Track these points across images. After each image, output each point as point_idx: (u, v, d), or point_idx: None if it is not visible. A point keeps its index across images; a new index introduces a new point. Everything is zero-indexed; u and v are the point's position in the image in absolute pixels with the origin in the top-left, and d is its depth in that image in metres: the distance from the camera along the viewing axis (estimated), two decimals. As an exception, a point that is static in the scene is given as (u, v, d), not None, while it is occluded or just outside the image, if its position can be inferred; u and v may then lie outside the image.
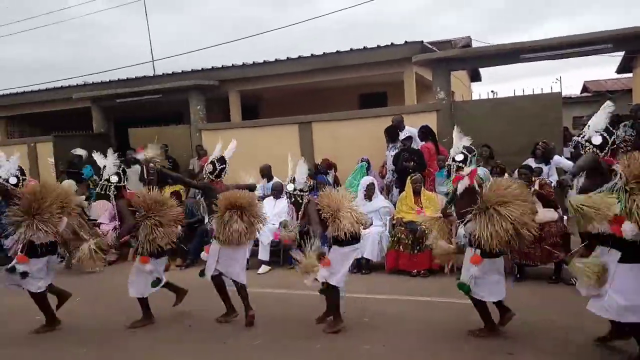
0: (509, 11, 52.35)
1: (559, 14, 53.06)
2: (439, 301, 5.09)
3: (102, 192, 4.88)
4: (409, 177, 6.60)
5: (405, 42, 8.96)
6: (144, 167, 9.84)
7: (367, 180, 6.84)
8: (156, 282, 4.83)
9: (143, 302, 4.85)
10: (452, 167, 4.21)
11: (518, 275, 5.59)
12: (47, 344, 4.55)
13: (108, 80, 11.74)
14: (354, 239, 4.37)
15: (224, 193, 4.66)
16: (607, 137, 3.60)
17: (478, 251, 3.88)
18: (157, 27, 42.27)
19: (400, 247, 6.16)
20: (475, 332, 4.13)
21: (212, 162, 4.99)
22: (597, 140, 3.58)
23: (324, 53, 9.62)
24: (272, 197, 7.55)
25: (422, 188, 6.54)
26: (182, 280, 6.42)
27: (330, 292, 4.40)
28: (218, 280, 4.82)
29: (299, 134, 9.45)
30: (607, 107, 3.66)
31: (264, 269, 6.81)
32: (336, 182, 8.28)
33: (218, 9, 52.87)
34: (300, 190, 4.54)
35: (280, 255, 7.06)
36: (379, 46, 9.21)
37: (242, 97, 11.02)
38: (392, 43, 9.09)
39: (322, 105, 10.96)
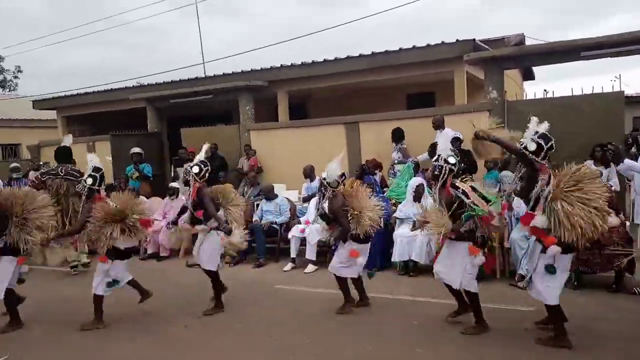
0: (565, 7, 50.24)
1: (620, 11, 50.38)
2: (490, 307, 4.95)
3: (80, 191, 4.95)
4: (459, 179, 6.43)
5: (457, 40, 8.77)
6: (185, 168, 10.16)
7: (416, 181, 6.74)
8: (111, 284, 4.91)
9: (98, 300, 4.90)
10: (444, 168, 4.29)
11: (576, 283, 5.34)
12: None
13: (162, 82, 12.16)
14: (368, 237, 4.85)
15: None
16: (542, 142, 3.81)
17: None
18: (209, 30, 43.40)
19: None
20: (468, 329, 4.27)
21: (198, 165, 5.13)
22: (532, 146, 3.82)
23: (372, 53, 9.57)
24: (317, 197, 7.56)
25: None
26: (232, 277, 6.58)
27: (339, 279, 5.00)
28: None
29: (346, 134, 9.44)
30: None
31: (310, 268, 6.85)
32: (383, 183, 8.22)
33: (268, 11, 53.70)
34: (329, 184, 4.84)
35: (327, 254, 7.07)
36: (428, 45, 9.06)
37: (290, 97, 11.13)
38: (442, 42, 8.92)
39: (369, 105, 10.90)
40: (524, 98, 8.50)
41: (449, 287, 4.43)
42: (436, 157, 4.40)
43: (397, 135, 8.41)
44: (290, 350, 4.17)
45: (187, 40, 58.43)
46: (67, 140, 6.57)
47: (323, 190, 4.99)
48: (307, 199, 8.05)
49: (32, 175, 9.36)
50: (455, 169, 4.30)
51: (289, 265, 6.97)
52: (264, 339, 4.45)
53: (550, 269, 3.79)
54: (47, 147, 13.25)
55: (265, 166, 10.12)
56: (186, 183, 5.35)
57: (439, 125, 8.05)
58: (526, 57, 8.54)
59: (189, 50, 49.42)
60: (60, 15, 46.39)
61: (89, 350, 4.42)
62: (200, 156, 5.32)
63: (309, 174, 8.16)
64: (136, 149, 10.03)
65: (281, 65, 10.62)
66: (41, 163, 10.51)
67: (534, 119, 4.06)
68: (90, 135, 13.23)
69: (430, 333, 4.36)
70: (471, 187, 4.18)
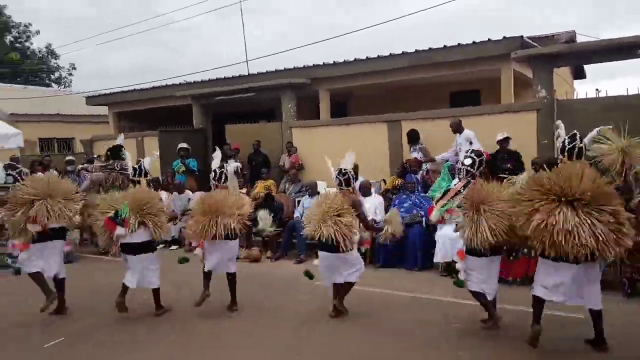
0: (619, 3, 47.90)
1: (681, 3, 47.46)
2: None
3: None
4: (506, 180, 6.32)
5: (504, 37, 8.55)
6: (238, 162, 10.39)
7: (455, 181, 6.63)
8: None
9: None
10: (461, 170, 4.52)
11: (629, 290, 5.14)
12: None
13: (207, 80, 12.46)
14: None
15: None
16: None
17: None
18: (252, 29, 44.16)
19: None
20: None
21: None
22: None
23: (415, 50, 9.47)
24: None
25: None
26: (272, 273, 6.68)
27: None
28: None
29: (388, 132, 9.39)
30: None
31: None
32: (424, 182, 8.13)
33: (308, 10, 53.93)
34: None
35: (368, 253, 7.09)
36: (474, 42, 8.88)
37: (332, 95, 11.17)
38: (489, 39, 8.72)
39: (411, 103, 10.80)
40: (575, 97, 8.17)
41: (477, 294, 4.35)
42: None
43: (414, 137, 8.65)
44: (326, 345, 4.22)
45: (231, 39, 59.54)
46: (120, 139, 6.95)
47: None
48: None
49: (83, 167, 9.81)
50: (474, 171, 4.42)
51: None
52: (299, 334, 4.52)
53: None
54: (98, 142, 13.87)
55: (306, 163, 10.21)
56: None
57: (456, 128, 8.06)
58: (578, 55, 8.24)
59: (232, 49, 50.31)
60: (112, 16, 48.24)
61: (137, 336, 4.62)
62: (216, 163, 5.52)
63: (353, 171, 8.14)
64: (183, 144, 10.34)
65: (323, 63, 10.67)
66: (95, 156, 11.00)
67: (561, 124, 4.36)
68: (139, 131, 13.72)
69: (472, 336, 4.30)
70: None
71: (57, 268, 5.14)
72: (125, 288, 5.02)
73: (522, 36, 8.48)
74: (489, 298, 4.29)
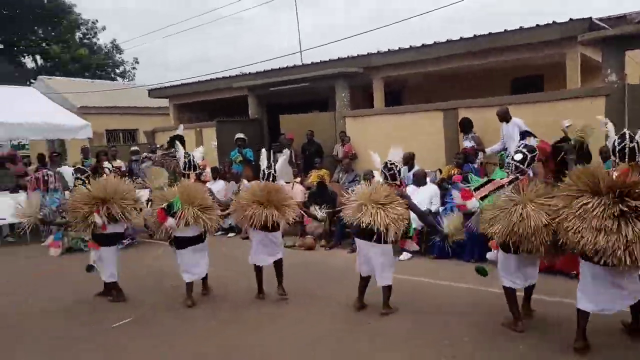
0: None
1: None
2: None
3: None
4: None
5: (570, 19, 8.09)
6: (292, 151, 10.53)
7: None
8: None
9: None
10: (511, 165, 4.26)
11: None
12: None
13: (262, 70, 12.65)
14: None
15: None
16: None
17: None
18: (306, 19, 44.22)
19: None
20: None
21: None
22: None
23: (474, 35, 9.14)
24: (413, 185, 7.47)
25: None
26: (325, 261, 6.73)
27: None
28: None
29: (444, 120, 9.17)
30: None
31: (405, 255, 6.82)
32: (483, 171, 7.88)
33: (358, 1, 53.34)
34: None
35: (423, 243, 7.00)
36: (538, 25, 8.44)
37: (386, 83, 11.03)
38: (554, 21, 8.27)
39: (469, 90, 10.46)
40: (650, 81, 7.63)
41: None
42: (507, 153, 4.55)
43: (467, 126, 8.43)
44: (380, 334, 4.23)
45: (284, 30, 59.99)
46: (180, 129, 7.22)
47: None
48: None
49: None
50: (523, 167, 4.16)
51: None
52: (350, 321, 4.55)
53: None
54: (160, 133, 14.46)
55: (359, 153, 10.17)
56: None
57: (503, 117, 7.70)
58: (654, 36, 7.64)
59: (286, 40, 50.82)
60: (171, 9, 49.92)
61: (196, 319, 4.83)
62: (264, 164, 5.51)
63: (409, 161, 8.04)
64: (240, 135, 10.58)
65: (378, 51, 10.53)
66: (157, 146, 11.48)
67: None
68: (198, 122, 14.18)
69: (537, 331, 4.16)
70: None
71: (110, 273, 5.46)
72: (189, 285, 5.21)
73: (590, 18, 7.98)
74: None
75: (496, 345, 3.93)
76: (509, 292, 4.24)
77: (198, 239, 5.20)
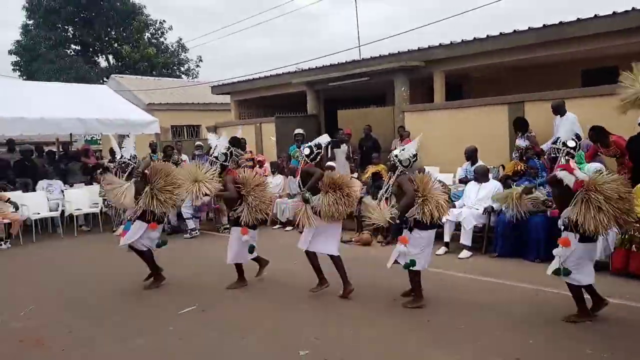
0: None
1: None
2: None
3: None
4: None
5: (652, 5, 7.51)
6: (350, 146, 10.51)
7: (595, 166, 6.00)
8: (251, 249, 5.57)
9: (239, 267, 5.65)
10: (562, 151, 4.26)
11: None
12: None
13: (321, 66, 12.70)
14: (433, 224, 4.64)
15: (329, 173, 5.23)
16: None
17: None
18: (365, 13, 43.97)
19: (633, 246, 5.30)
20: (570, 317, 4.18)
21: (310, 147, 5.31)
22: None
23: (543, 25, 8.69)
24: (474, 181, 7.23)
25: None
26: (382, 257, 6.66)
27: (412, 271, 4.73)
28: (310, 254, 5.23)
29: (509, 115, 8.79)
30: None
31: (465, 254, 6.64)
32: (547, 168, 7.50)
33: (421, -11, 52.22)
34: (400, 162, 4.70)
35: (484, 241, 6.79)
36: (615, 13, 7.90)
37: (447, 77, 10.74)
38: (633, 8, 7.70)
39: (536, 83, 9.98)
40: None
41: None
42: (555, 139, 4.48)
43: (521, 126, 8.06)
44: (441, 332, 4.14)
45: (342, 24, 59.92)
46: (239, 133, 7.48)
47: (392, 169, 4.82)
48: (463, 181, 7.78)
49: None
50: (575, 153, 4.29)
51: (442, 249, 6.84)
52: (416, 320, 4.49)
53: None
54: (222, 128, 14.91)
55: (418, 148, 9.97)
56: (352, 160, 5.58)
57: (557, 110, 7.41)
58: None
59: (345, 34, 50.74)
60: (229, 8, 51.25)
61: (256, 306, 4.95)
62: (321, 139, 5.46)
63: (472, 155, 7.79)
64: (299, 130, 10.69)
65: (440, 44, 10.27)
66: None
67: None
68: (257, 117, 14.49)
69: (606, 335, 3.93)
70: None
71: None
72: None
73: (675, 1, 7.37)
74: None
75: (559, 346, 3.75)
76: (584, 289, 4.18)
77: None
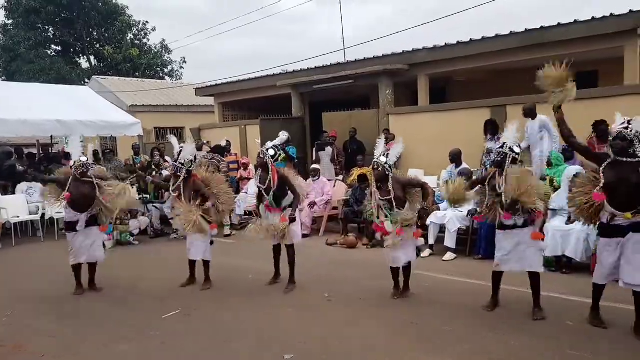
0: None
1: None
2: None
3: (174, 172, 5.66)
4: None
5: (630, 11, 7.67)
6: (335, 149, 10.54)
7: (572, 169, 6.11)
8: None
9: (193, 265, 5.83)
10: (508, 156, 4.43)
11: None
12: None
13: (306, 68, 12.70)
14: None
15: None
16: None
17: None
18: (350, 15, 44.12)
19: (612, 247, 5.40)
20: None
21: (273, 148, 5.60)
22: None
23: (525, 30, 8.84)
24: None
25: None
26: (367, 259, 6.68)
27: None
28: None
29: (491, 118, 8.90)
30: None
31: (449, 256, 6.70)
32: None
33: (405, -8, 52.66)
34: (390, 167, 4.92)
35: (468, 244, 6.86)
36: (594, 18, 8.07)
37: (431, 80, 10.83)
38: (611, 14, 7.88)
39: (517, 87, 10.08)
40: None
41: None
42: (501, 144, 4.54)
43: (492, 128, 8.15)
44: (427, 335, 4.16)
45: (328, 27, 60.08)
46: (223, 142, 7.52)
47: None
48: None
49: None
50: (519, 158, 4.46)
51: (427, 252, 6.89)
52: (402, 323, 4.51)
53: None
54: (206, 130, 14.81)
55: (403, 151, 10.03)
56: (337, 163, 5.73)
57: (528, 113, 7.56)
58: None
59: (329, 37, 50.85)
60: (215, 9, 51.00)
61: (241, 309, 4.92)
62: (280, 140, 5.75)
63: (455, 158, 7.86)
64: (284, 133, 10.66)
65: (423, 47, 10.36)
66: (204, 142, 11.78)
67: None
68: (242, 120, 14.42)
69: (587, 335, 4.00)
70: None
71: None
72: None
73: (651, 8, 7.55)
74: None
75: (541, 347, 3.80)
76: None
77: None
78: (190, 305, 5.13)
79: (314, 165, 9.58)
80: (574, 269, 5.75)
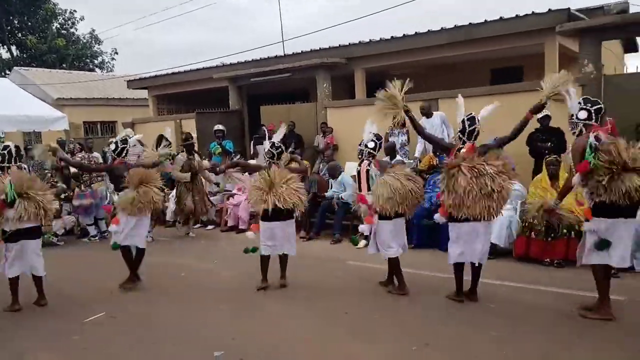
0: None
1: None
2: (572, 293, 4.65)
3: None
4: (544, 159, 6.16)
5: (549, 10, 8.11)
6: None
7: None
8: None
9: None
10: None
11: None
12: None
13: (244, 61, 12.47)
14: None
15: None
16: None
17: None
18: (289, 8, 43.96)
19: (532, 233, 5.72)
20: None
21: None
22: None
23: (455, 26, 9.13)
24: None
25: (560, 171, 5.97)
26: (304, 252, 6.66)
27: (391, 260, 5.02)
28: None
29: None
30: None
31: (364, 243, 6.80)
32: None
33: (345, -13, 53.00)
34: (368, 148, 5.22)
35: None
36: (517, 16, 8.46)
37: (368, 74, 10.98)
38: (532, 12, 8.30)
39: (450, 81, 10.46)
40: (625, 72, 7.70)
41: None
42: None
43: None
44: (359, 325, 4.22)
45: (267, 19, 59.46)
46: (167, 132, 7.28)
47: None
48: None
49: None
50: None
51: (362, 243, 6.96)
52: (338, 314, 4.54)
53: None
54: (139, 125, 14.21)
55: (341, 144, 10.13)
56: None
57: (426, 112, 8.16)
58: (631, 27, 7.71)
59: (268, 30, 50.35)
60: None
61: (171, 309, 4.76)
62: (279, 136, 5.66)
63: (390, 151, 8.01)
64: (219, 126, 10.44)
65: (359, 41, 10.47)
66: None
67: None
68: (177, 113, 13.97)
69: (510, 317, 4.21)
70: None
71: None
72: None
73: (568, 8, 8.02)
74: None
75: (467, 330, 3.95)
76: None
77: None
78: (116, 307, 4.90)
79: (252, 160, 9.45)
80: (497, 254, 6.01)
